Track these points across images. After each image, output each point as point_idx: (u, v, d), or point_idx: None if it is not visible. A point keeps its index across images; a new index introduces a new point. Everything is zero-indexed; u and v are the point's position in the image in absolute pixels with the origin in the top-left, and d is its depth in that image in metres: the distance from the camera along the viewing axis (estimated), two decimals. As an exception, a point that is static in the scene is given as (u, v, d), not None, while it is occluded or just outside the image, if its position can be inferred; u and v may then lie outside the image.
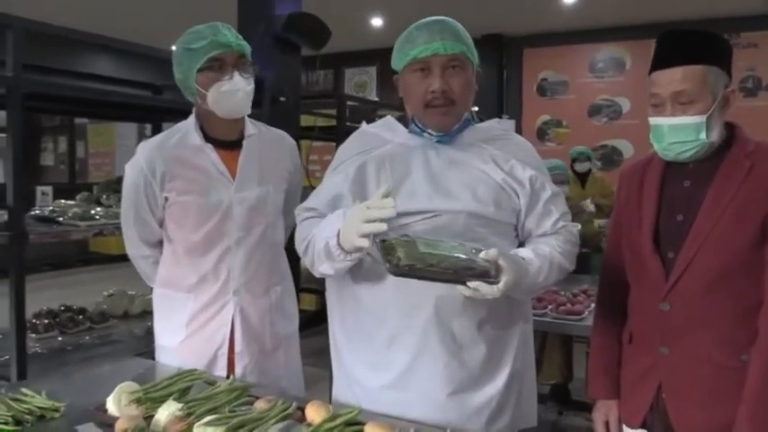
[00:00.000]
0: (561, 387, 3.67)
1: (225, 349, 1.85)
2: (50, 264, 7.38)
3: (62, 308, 3.41)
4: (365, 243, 1.29)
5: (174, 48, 1.80)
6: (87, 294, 4.05)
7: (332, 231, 1.39)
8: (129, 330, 3.40)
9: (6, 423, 1.31)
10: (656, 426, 1.48)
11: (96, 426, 1.27)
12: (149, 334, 2.27)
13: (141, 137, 10.70)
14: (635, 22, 7.45)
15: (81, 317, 3.32)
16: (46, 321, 3.16)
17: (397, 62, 1.51)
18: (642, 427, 1.51)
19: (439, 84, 1.43)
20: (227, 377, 1.81)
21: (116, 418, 1.27)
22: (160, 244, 1.92)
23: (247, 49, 1.81)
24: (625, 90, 8.09)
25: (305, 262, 1.54)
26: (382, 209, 1.27)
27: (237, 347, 1.85)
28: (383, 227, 1.27)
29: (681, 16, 7.01)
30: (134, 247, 1.92)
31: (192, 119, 1.86)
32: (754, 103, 7.35)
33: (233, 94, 1.75)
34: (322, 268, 1.47)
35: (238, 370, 1.85)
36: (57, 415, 1.38)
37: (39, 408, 1.37)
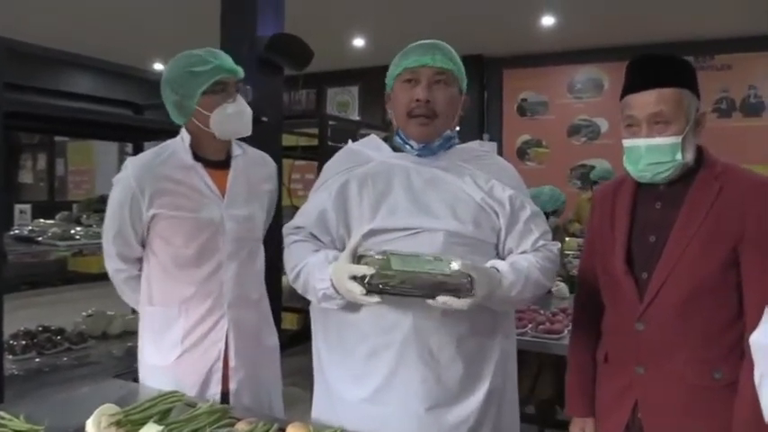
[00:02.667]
0: (548, 406, 3.68)
1: (220, 364, 1.86)
2: (29, 283, 7.28)
3: (40, 328, 3.37)
4: (373, 300, 1.35)
5: (164, 68, 1.85)
6: (66, 314, 4.00)
7: (324, 283, 1.45)
8: (108, 351, 3.36)
9: (-16, 447, 1.31)
10: (632, 444, 1.50)
11: (76, 449, 1.26)
12: (129, 355, 2.26)
13: (122, 155, 10.67)
14: (612, 44, 7.61)
15: (59, 337, 3.28)
16: (23, 342, 3.11)
17: (390, 76, 1.58)
18: (619, 445, 1.53)
19: (424, 93, 1.50)
20: (223, 392, 1.84)
21: (96, 442, 1.26)
22: (137, 261, 1.93)
23: (242, 73, 1.88)
24: (603, 111, 8.25)
25: (298, 290, 1.58)
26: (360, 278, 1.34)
27: (232, 362, 1.87)
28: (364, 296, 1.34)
29: (657, 39, 7.17)
30: (110, 260, 1.94)
31: (180, 139, 1.89)
32: (728, 124, 7.53)
33: (238, 116, 1.83)
34: (325, 305, 1.52)
35: (233, 385, 1.87)
36: (35, 438, 1.37)
37: (17, 431, 1.36)
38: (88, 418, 1.35)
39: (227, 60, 1.83)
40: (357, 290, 1.34)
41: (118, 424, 1.30)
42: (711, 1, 6.17)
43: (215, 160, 1.90)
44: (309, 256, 1.54)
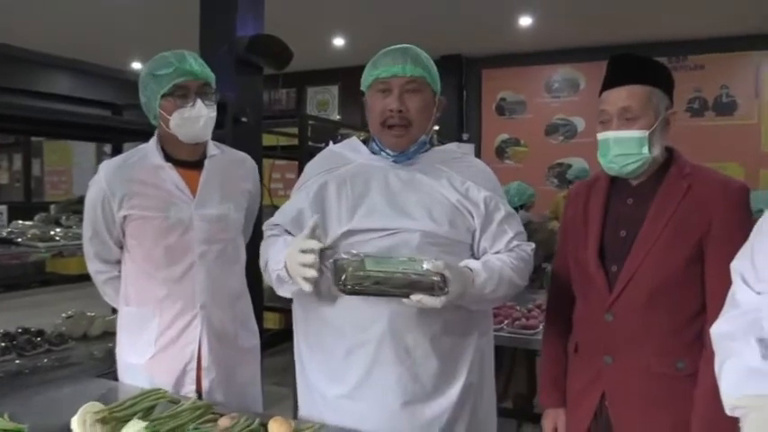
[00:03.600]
0: (524, 401, 3.76)
1: (194, 364, 1.88)
2: (6, 285, 7.21)
3: (19, 330, 3.35)
4: (307, 287, 1.43)
5: (140, 70, 1.86)
6: (45, 316, 3.97)
7: (279, 264, 1.51)
8: (89, 352, 3.34)
9: (-31, 446, 1.32)
10: (599, 433, 1.56)
11: (61, 446, 1.28)
12: (110, 355, 2.26)
13: (100, 155, 10.57)
14: (589, 44, 7.72)
15: (39, 339, 3.26)
16: (3, 344, 3.09)
17: (363, 83, 1.61)
18: (587, 434, 1.59)
19: (396, 104, 1.53)
20: (197, 392, 1.85)
21: (81, 439, 1.29)
22: (117, 263, 1.96)
23: (211, 77, 1.87)
24: (580, 110, 8.37)
25: (268, 281, 1.61)
26: (310, 251, 1.41)
27: (205, 362, 1.88)
28: (313, 272, 1.41)
29: (632, 39, 7.29)
30: (90, 262, 1.97)
31: (153, 140, 1.92)
32: (701, 123, 7.69)
33: (195, 120, 1.82)
34: (281, 292, 1.59)
35: (205, 384, 1.88)
36: (19, 437, 1.39)
37: (2, 430, 1.38)
38: (71, 417, 1.37)
39: (190, 63, 1.81)
40: (306, 273, 1.41)
41: (103, 421, 1.32)
42: (685, 2, 6.29)
43: (188, 160, 1.91)
44: (276, 245, 1.59)
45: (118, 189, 1.84)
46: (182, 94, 1.81)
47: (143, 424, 1.27)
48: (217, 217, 1.90)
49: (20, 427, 1.41)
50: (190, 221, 1.86)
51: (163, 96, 1.80)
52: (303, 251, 1.41)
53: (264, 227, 1.71)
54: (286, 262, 1.47)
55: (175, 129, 1.83)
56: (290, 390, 3.63)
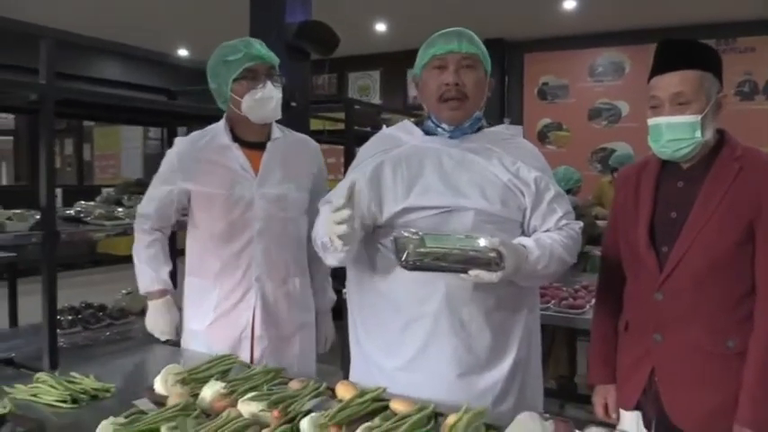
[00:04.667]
0: (567, 381, 3.81)
1: (248, 332, 2.00)
2: (61, 264, 7.48)
3: (83, 305, 3.56)
4: (341, 247, 1.49)
5: (209, 61, 1.99)
6: (97, 294, 4.16)
7: (321, 232, 1.59)
8: (147, 327, 3.53)
9: (65, 401, 1.45)
10: (648, 408, 1.61)
11: (150, 402, 1.40)
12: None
13: (146, 139, 10.86)
14: (634, 27, 7.60)
15: (102, 313, 3.46)
16: (69, 317, 3.30)
17: (418, 64, 1.68)
18: (636, 409, 1.64)
19: (453, 77, 1.60)
20: (250, 359, 1.96)
21: (165, 397, 1.40)
22: (159, 230, 2.09)
23: (277, 60, 1.99)
24: (624, 94, 8.25)
25: (319, 254, 1.71)
26: (340, 222, 1.45)
27: (257, 331, 2.00)
28: (343, 244, 1.48)
29: (678, 22, 7.15)
30: (142, 220, 2.08)
31: (222, 122, 2.04)
32: (751, 107, 7.50)
33: (266, 101, 1.93)
34: (329, 261, 1.67)
35: (257, 353, 2.00)
36: (108, 395, 1.52)
37: (92, 389, 1.51)
38: (151, 378, 1.49)
39: (258, 48, 1.93)
40: (339, 230, 1.45)
41: (183, 382, 1.44)
42: (735, -17, 6.16)
43: (254, 141, 2.02)
44: (321, 216, 1.68)
45: (186, 163, 1.99)
46: (252, 77, 1.92)
47: (221, 384, 1.38)
48: (276, 196, 2.00)
49: (107, 386, 1.54)
50: (251, 199, 1.97)
51: (234, 81, 1.92)
52: (336, 222, 1.46)
53: (320, 204, 1.80)
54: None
55: (247, 110, 1.93)
56: (338, 368, 3.75)
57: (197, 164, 1.99)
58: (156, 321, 2.06)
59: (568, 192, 4.26)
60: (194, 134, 2.06)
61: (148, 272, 2.05)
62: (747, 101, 7.58)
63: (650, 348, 1.58)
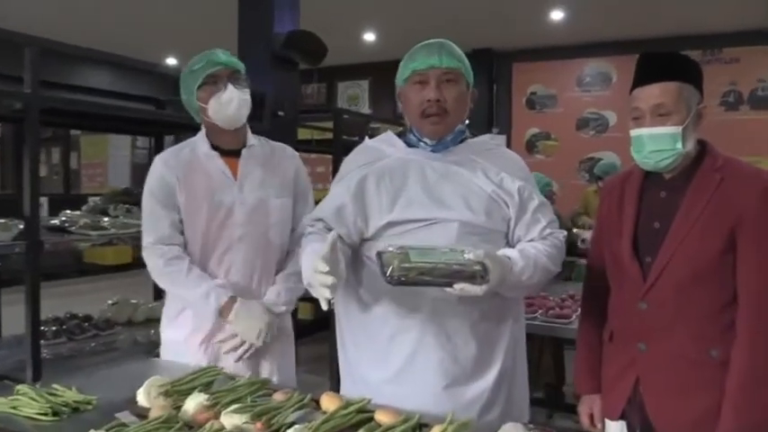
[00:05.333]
0: (554, 390, 3.82)
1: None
2: (47, 274, 7.41)
3: (68, 315, 3.51)
4: (328, 295, 1.44)
5: (176, 66, 1.99)
6: (84, 304, 4.12)
7: (306, 274, 1.53)
8: (134, 337, 3.49)
9: (46, 414, 1.44)
10: (633, 417, 1.62)
11: (132, 414, 1.39)
12: (154, 341, 2.36)
13: (134, 148, 10.82)
14: (621, 38, 7.68)
15: (87, 324, 3.41)
16: (54, 328, 3.25)
17: (399, 77, 1.68)
18: (621, 418, 1.65)
19: (434, 93, 1.60)
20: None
21: (148, 409, 1.39)
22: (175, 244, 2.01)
23: (239, 65, 2.02)
24: (611, 104, 8.32)
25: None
26: (323, 285, 1.42)
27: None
28: (328, 295, 1.43)
29: (665, 32, 7.23)
30: (153, 243, 1.99)
31: (201, 133, 2.07)
32: (735, 117, 7.59)
33: (228, 102, 1.96)
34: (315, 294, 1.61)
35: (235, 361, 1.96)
36: (90, 407, 1.50)
37: (74, 401, 1.49)
38: (134, 390, 1.48)
39: (218, 55, 1.97)
40: (321, 293, 1.43)
41: (166, 394, 1.43)
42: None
43: (231, 149, 2.04)
44: (306, 251, 1.64)
45: (176, 172, 1.99)
46: (213, 81, 1.96)
47: (204, 396, 1.37)
48: (256, 202, 2.01)
49: (89, 399, 1.52)
50: (232, 205, 1.98)
51: (198, 88, 1.97)
52: (321, 284, 1.43)
53: (305, 221, 1.79)
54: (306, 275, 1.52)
55: (213, 115, 1.97)
56: (325, 378, 3.73)
57: (183, 176, 1.99)
58: (250, 326, 1.93)
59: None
60: (174, 148, 2.08)
61: (204, 291, 1.94)
62: (732, 111, 7.67)
63: (635, 358, 1.59)
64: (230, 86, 1.95)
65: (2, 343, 3.51)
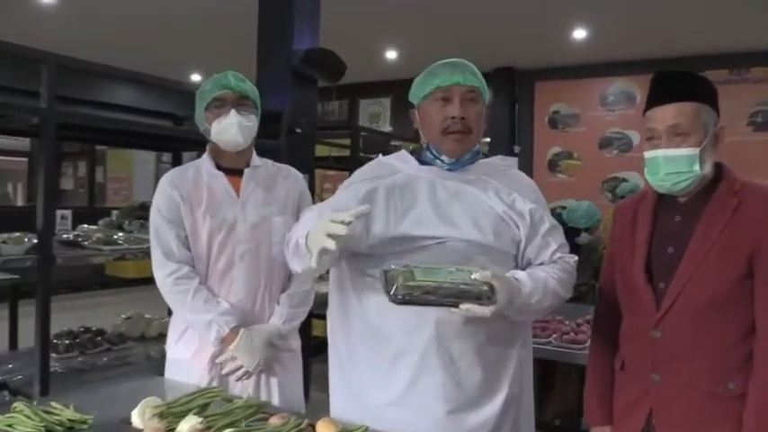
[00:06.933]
0: (572, 418, 3.69)
1: None
2: (69, 286, 7.52)
3: (82, 329, 3.52)
4: (331, 245, 1.33)
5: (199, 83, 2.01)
6: (103, 317, 4.14)
7: (303, 231, 1.47)
8: (146, 352, 3.50)
9: (39, 433, 1.41)
10: (646, 450, 1.54)
11: (123, 436, 1.36)
12: (165, 356, 2.35)
13: (159, 163, 10.95)
14: (645, 57, 7.57)
15: (100, 338, 3.42)
16: (66, 342, 3.26)
17: (417, 93, 1.66)
18: (633, 452, 1.57)
19: (458, 111, 1.59)
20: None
21: (140, 431, 1.36)
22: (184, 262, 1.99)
23: (248, 91, 2.03)
24: (635, 123, 8.18)
25: (286, 256, 1.63)
26: (342, 221, 1.33)
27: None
28: (332, 243, 1.32)
29: (691, 51, 7.12)
30: (162, 259, 1.98)
31: (206, 153, 2.10)
32: (765, 137, 7.41)
33: (228, 127, 1.98)
34: (292, 265, 1.60)
35: (239, 383, 1.97)
36: (85, 427, 1.47)
37: (69, 420, 1.47)
38: (131, 410, 1.45)
39: (228, 79, 1.99)
40: (328, 244, 1.32)
41: (161, 415, 1.40)
42: (746, 13, 6.12)
43: (234, 168, 2.06)
44: (305, 216, 1.61)
45: (182, 191, 2.00)
46: (219, 105, 1.99)
47: (198, 419, 1.34)
48: (259, 219, 2.02)
49: (85, 418, 1.50)
50: (234, 222, 1.99)
51: (206, 109, 2.00)
52: (334, 221, 1.34)
53: (303, 213, 1.77)
54: (310, 231, 1.42)
55: (215, 136, 2.00)
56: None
57: (188, 194, 2.01)
58: (249, 358, 1.94)
59: (587, 230, 4.10)
60: (180, 168, 2.11)
61: (207, 320, 1.93)
62: (761, 131, 7.49)
63: (648, 389, 1.53)
64: (233, 112, 1.97)
65: (17, 356, 3.54)
